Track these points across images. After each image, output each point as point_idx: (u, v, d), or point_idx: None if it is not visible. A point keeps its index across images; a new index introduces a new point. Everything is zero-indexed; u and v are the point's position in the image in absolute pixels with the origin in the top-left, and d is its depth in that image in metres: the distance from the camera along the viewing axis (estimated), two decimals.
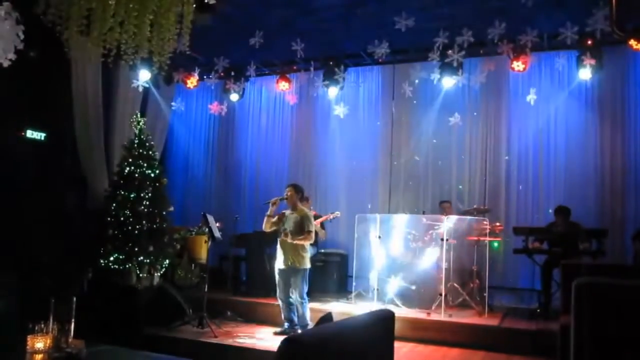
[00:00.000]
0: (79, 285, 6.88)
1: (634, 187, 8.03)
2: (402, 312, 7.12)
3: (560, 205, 7.53)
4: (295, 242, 6.42)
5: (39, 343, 2.84)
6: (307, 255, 6.56)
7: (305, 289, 6.52)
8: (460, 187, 9.01)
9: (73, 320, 2.97)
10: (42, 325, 2.88)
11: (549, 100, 8.53)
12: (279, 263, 6.59)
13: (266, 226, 6.72)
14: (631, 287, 3.53)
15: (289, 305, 6.57)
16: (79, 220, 8.13)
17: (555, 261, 6.91)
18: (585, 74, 7.81)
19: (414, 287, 7.69)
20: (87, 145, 8.59)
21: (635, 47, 7.22)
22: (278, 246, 6.67)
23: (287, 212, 6.71)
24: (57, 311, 2.92)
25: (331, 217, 8.00)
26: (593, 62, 7.55)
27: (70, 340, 2.95)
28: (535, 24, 7.37)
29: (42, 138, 8.19)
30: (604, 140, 8.26)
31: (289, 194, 6.65)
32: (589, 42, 7.46)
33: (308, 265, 6.56)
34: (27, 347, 2.81)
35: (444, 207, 8.26)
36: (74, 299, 2.99)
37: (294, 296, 6.50)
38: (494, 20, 7.19)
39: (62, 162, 8.33)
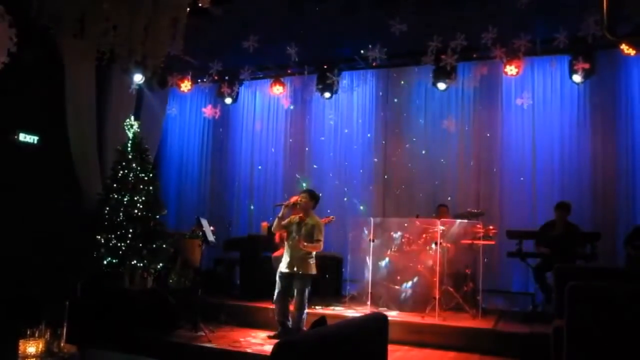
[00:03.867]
0: (71, 289, 6.85)
1: (626, 191, 8.08)
2: (396, 315, 7.13)
3: (560, 201, 7.55)
4: (304, 247, 6.41)
5: (31, 347, 2.83)
6: (313, 262, 6.54)
7: (306, 295, 6.50)
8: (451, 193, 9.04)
9: (65, 324, 2.95)
10: (34, 330, 2.86)
11: (541, 104, 8.58)
12: (283, 266, 6.58)
13: (276, 227, 6.72)
14: (623, 290, 3.55)
15: (284, 309, 6.56)
16: (72, 223, 8.09)
17: (549, 265, 6.94)
18: (577, 78, 7.85)
19: (408, 291, 7.69)
20: (80, 149, 8.55)
21: (626, 51, 7.29)
22: (285, 249, 6.67)
23: (297, 217, 6.68)
24: (49, 315, 2.90)
25: (326, 221, 7.99)
26: (585, 66, 7.59)
27: (62, 344, 2.93)
28: (528, 28, 7.42)
29: (35, 141, 8.16)
30: (596, 144, 8.31)
31: (303, 200, 6.62)
32: (581, 46, 7.52)
33: (313, 271, 6.54)
34: (19, 352, 2.79)
35: (441, 210, 8.27)
36: (67, 303, 2.97)
37: (293, 301, 6.49)
38: (487, 24, 7.23)
39: (54, 165, 8.29)
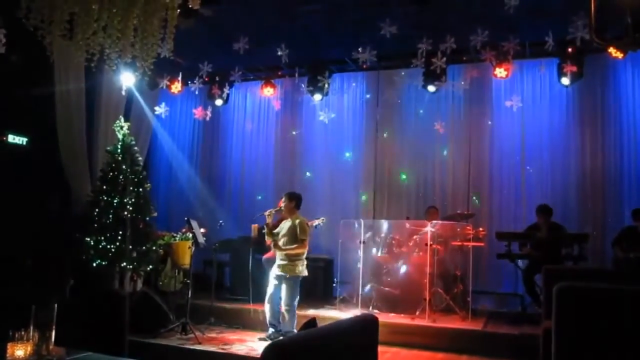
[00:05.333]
0: (60, 291, 6.80)
1: (614, 192, 8.16)
2: (386, 317, 7.14)
3: (541, 205, 7.60)
4: (287, 252, 6.42)
5: (19, 351, 2.80)
6: (301, 263, 6.54)
7: (296, 296, 6.50)
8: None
9: (54, 327, 2.93)
10: (22, 333, 2.84)
11: (531, 106, 8.64)
12: (275, 268, 6.60)
13: (268, 237, 6.77)
14: (611, 291, 3.58)
15: (274, 311, 6.56)
16: (61, 225, 8.04)
17: (538, 266, 6.99)
18: (566, 81, 7.91)
19: (398, 292, 7.71)
20: (70, 150, 8.51)
21: (614, 55, 7.35)
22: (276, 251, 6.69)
23: (284, 221, 6.72)
24: (37, 318, 2.88)
25: (316, 222, 7.99)
26: (574, 69, 7.66)
27: (51, 347, 2.91)
28: (517, 31, 7.47)
29: (24, 143, 8.11)
30: (584, 146, 8.39)
31: (283, 204, 6.66)
32: (570, 49, 7.58)
33: (301, 273, 6.53)
34: (7, 355, 2.77)
35: (430, 212, 8.30)
36: (55, 305, 2.95)
37: (282, 303, 6.49)
38: (477, 27, 7.27)
39: (44, 167, 8.24)
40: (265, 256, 7.59)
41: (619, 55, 7.36)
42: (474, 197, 8.95)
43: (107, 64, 4.82)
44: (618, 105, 8.29)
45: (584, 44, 7.04)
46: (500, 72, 8.01)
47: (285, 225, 6.63)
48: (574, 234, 7.53)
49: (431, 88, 8.44)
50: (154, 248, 7.97)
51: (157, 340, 6.51)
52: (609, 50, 7.22)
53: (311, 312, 7.41)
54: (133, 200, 7.79)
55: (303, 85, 9.27)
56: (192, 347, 6.28)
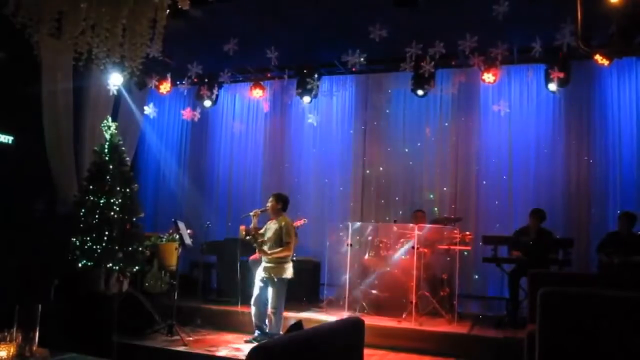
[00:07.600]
0: (45, 291, 6.74)
1: (599, 198, 8.24)
2: (372, 320, 7.14)
3: (536, 208, 7.66)
4: (272, 256, 6.40)
5: (2, 351, 2.78)
6: (287, 265, 6.51)
7: (282, 299, 6.47)
8: (432, 196, 9.11)
9: (38, 327, 2.91)
10: (6, 333, 2.81)
11: (518, 111, 8.71)
12: (260, 271, 6.57)
13: (252, 240, 6.71)
14: (595, 296, 3.62)
15: (261, 313, 6.54)
16: (47, 225, 7.97)
17: (523, 270, 7.04)
18: (553, 86, 7.99)
19: (385, 295, 7.73)
20: (56, 150, 8.44)
21: (600, 62, 7.43)
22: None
23: (270, 222, 6.70)
24: (21, 318, 2.85)
25: (298, 224, 7.98)
26: (561, 75, 7.73)
27: (34, 348, 2.88)
28: (505, 37, 7.53)
29: (10, 141, 8.03)
30: (570, 151, 8.46)
31: (269, 204, 6.64)
32: (557, 56, 7.66)
33: (287, 275, 6.50)
34: None
35: (417, 215, 8.33)
36: (39, 306, 2.92)
37: (268, 305, 6.48)
38: (465, 33, 7.32)
39: (30, 166, 8.16)
40: (251, 258, 7.58)
41: (605, 62, 7.45)
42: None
43: (95, 64, 4.79)
44: (603, 112, 8.38)
45: (571, 51, 7.11)
46: (488, 77, 8.07)
47: (270, 227, 6.62)
48: (559, 238, 7.60)
49: (420, 92, 8.49)
50: (140, 249, 7.92)
51: (143, 341, 6.48)
52: (595, 57, 7.30)
53: (298, 314, 7.41)
54: (120, 200, 7.74)
55: (292, 88, 9.27)
56: (178, 348, 6.25)
